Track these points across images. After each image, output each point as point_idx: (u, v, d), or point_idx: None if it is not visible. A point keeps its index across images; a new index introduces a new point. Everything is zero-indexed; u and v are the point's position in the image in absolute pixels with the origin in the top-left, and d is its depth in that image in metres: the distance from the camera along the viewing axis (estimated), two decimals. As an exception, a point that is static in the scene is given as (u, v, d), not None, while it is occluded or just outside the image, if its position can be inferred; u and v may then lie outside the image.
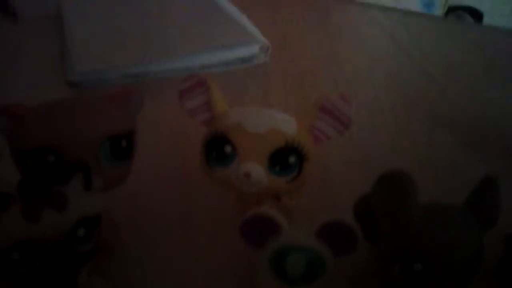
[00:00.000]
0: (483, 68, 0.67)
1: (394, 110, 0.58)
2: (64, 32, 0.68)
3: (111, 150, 0.34)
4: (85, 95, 0.56)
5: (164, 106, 0.53)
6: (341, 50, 0.73)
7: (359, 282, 0.37)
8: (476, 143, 0.52)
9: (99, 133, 0.34)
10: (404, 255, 0.30)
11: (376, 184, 0.31)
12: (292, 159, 0.36)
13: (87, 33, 0.67)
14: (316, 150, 0.37)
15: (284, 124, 0.36)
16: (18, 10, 0.73)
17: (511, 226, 0.35)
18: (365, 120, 0.55)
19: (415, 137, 0.54)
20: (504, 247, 0.36)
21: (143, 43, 0.64)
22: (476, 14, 1.51)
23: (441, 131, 0.54)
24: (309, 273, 0.32)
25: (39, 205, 0.29)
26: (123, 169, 0.36)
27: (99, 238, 0.33)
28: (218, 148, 0.36)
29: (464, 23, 1.30)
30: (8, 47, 0.69)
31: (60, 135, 0.33)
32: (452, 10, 1.55)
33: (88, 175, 0.32)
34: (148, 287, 0.38)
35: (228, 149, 0.36)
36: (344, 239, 0.32)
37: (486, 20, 1.49)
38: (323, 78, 0.65)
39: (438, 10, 1.53)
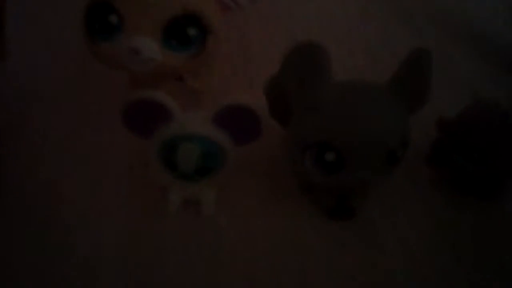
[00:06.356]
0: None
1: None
2: None
3: None
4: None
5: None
6: None
7: (265, 172, 0.32)
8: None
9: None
10: (314, 142, 0.26)
11: (285, 58, 0.26)
12: (192, 31, 0.29)
13: None
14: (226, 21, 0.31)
15: None
16: None
17: (442, 109, 0.31)
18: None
19: (347, 6, 0.47)
20: (436, 131, 0.32)
21: None
22: None
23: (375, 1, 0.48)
24: (203, 165, 0.27)
25: None
26: None
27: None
28: (101, 18, 0.29)
29: None
30: None
31: None
32: None
33: None
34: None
35: (113, 18, 0.29)
36: (246, 125, 0.27)
37: None
38: None
39: None
